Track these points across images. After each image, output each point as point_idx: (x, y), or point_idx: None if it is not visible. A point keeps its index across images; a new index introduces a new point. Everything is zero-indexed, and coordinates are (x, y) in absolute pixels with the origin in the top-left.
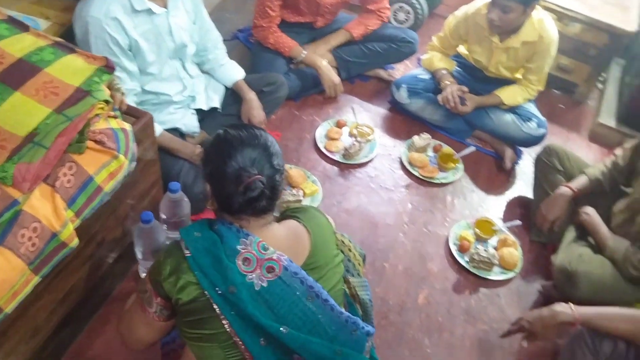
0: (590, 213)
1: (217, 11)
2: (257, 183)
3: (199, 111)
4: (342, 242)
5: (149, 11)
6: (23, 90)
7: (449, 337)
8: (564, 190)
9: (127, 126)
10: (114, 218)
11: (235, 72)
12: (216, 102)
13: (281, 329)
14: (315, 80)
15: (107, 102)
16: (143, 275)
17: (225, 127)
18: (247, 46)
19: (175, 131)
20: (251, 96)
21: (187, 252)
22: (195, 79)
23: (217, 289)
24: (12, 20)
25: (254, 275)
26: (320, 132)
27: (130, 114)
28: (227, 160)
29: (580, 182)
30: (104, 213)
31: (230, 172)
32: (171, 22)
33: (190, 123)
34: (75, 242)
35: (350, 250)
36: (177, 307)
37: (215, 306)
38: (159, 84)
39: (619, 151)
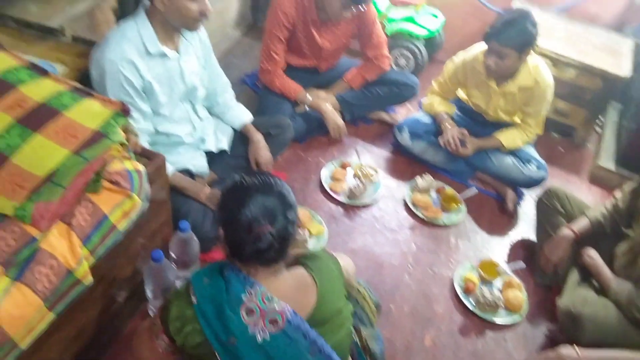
0: (592, 256)
1: (225, 57)
2: (267, 235)
3: (208, 152)
4: (358, 290)
5: (163, 55)
6: (43, 132)
7: None
8: (566, 232)
9: (141, 167)
10: (125, 257)
11: (243, 115)
12: (225, 144)
13: None
14: (320, 123)
15: (122, 144)
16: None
17: (243, 173)
18: (254, 90)
19: (185, 172)
20: (258, 138)
21: (193, 300)
22: (204, 121)
23: (219, 338)
24: (32, 66)
25: (257, 328)
26: (325, 173)
27: (144, 155)
28: (241, 208)
29: (581, 224)
30: (116, 252)
31: (243, 220)
32: (183, 66)
33: (199, 164)
34: (89, 279)
35: (365, 299)
36: (182, 349)
37: (217, 354)
38: (170, 126)
39: (618, 194)
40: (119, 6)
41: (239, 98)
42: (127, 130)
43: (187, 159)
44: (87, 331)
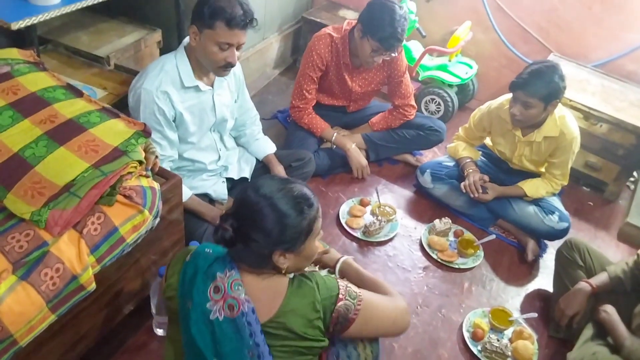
0: (609, 312)
1: (261, 94)
2: (228, 232)
3: (229, 179)
4: (365, 357)
5: (197, 88)
6: (67, 145)
7: None
8: (584, 285)
9: (156, 185)
10: (134, 270)
11: (267, 147)
12: (247, 172)
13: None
14: (344, 160)
15: (140, 162)
16: (157, 330)
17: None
18: (284, 125)
19: (205, 196)
20: (279, 169)
21: (187, 258)
22: (230, 150)
23: (183, 298)
24: (69, 87)
25: (216, 306)
26: (343, 209)
27: (161, 175)
28: (245, 193)
29: (600, 278)
30: (125, 264)
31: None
32: (215, 100)
33: (220, 190)
34: (92, 286)
35: (364, 347)
36: (164, 298)
37: (181, 311)
38: (196, 153)
39: None
40: (163, 40)
41: (269, 132)
42: (147, 150)
43: (209, 184)
44: (89, 338)
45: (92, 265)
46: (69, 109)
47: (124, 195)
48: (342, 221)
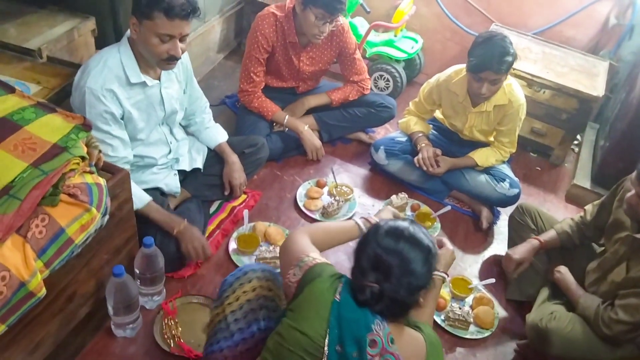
0: (563, 272)
1: (207, 79)
2: (372, 288)
3: (181, 171)
4: None
5: (143, 84)
6: (2, 145)
7: None
8: (533, 241)
9: (102, 181)
10: (86, 272)
11: (219, 135)
12: (199, 162)
13: None
14: (297, 142)
15: (83, 158)
16: (117, 332)
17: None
18: (233, 111)
19: (156, 190)
20: (233, 159)
21: (337, 297)
22: (180, 142)
23: (336, 344)
24: None
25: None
26: (300, 192)
27: (106, 169)
28: (372, 245)
29: (548, 234)
30: (76, 266)
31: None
32: (163, 93)
33: (171, 183)
34: (42, 292)
35: None
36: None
37: (326, 350)
38: (145, 148)
39: (589, 207)
40: (98, 29)
41: (218, 119)
42: (90, 144)
43: (160, 178)
44: (46, 346)
45: (41, 270)
46: (0, 106)
47: (68, 194)
48: (300, 204)
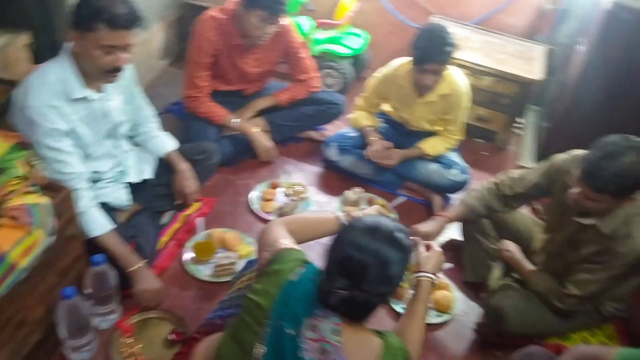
0: (511, 249)
1: (151, 87)
2: (341, 295)
3: (131, 182)
4: None
5: (85, 98)
6: None
7: None
8: (437, 217)
9: (45, 201)
10: (35, 296)
11: (167, 144)
12: (148, 173)
13: None
14: (249, 145)
15: (23, 178)
16: (71, 356)
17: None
18: (180, 118)
19: (105, 205)
20: (183, 167)
21: (294, 277)
22: (127, 153)
23: (283, 321)
24: None
25: (309, 345)
26: (255, 195)
27: (50, 188)
28: (341, 248)
29: (455, 209)
30: (23, 291)
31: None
32: (107, 106)
33: (120, 197)
34: None
35: None
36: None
37: (267, 325)
38: (92, 163)
39: (504, 179)
40: (35, 43)
41: (165, 127)
42: (29, 163)
43: (107, 192)
44: None
45: None
46: None
47: (9, 217)
48: (256, 207)
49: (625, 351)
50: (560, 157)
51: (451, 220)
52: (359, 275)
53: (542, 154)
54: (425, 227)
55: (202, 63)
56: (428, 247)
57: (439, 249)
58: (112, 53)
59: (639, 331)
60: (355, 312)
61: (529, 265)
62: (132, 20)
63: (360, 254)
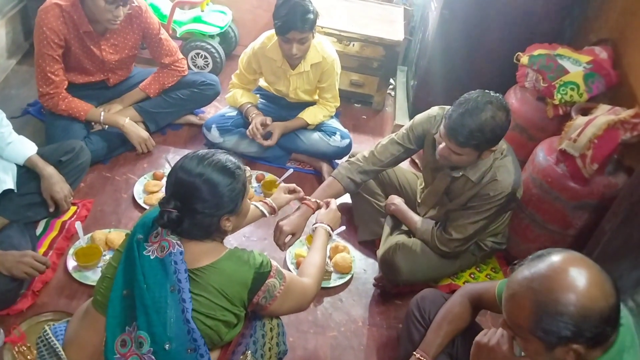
0: (397, 203)
1: (1, 89)
2: (169, 214)
3: None
4: (271, 327)
5: None
6: None
7: (303, 354)
8: (303, 207)
9: None
10: None
11: (25, 149)
12: (9, 183)
13: (144, 285)
14: (123, 138)
15: None
16: None
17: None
18: (40, 119)
19: None
20: (49, 171)
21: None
22: None
23: (136, 233)
24: None
25: (152, 247)
26: (137, 189)
27: None
28: (175, 168)
29: (325, 192)
30: None
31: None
32: None
33: None
34: None
35: (271, 339)
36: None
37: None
38: None
39: (380, 151)
40: None
41: (24, 131)
42: None
43: None
44: None
45: None
46: None
47: None
48: (140, 201)
49: (504, 281)
50: (418, 119)
51: (317, 209)
52: (188, 196)
53: (414, 110)
54: (288, 224)
55: (52, 56)
56: (327, 205)
57: (334, 207)
58: None
59: (516, 258)
60: (189, 231)
61: (414, 216)
62: None
63: (188, 177)
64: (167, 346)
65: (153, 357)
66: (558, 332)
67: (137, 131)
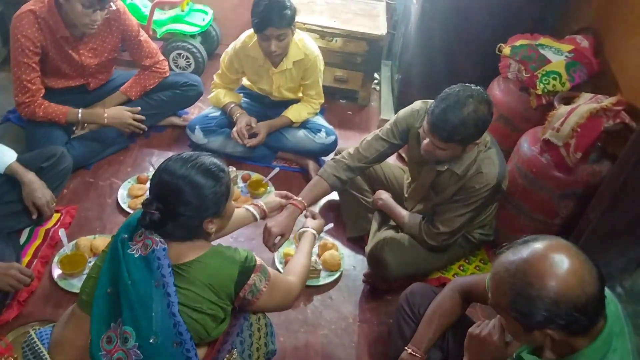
0: (384, 198)
1: None
2: (151, 216)
3: None
4: (258, 328)
5: None
6: None
7: (294, 353)
8: (290, 208)
9: None
10: None
11: (4, 156)
12: None
13: (129, 281)
14: (106, 142)
15: None
16: None
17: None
18: (20, 126)
19: None
20: (30, 178)
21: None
22: None
23: (121, 233)
24: None
25: (136, 246)
26: (122, 193)
27: None
28: (160, 169)
29: (311, 193)
30: None
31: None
32: None
33: None
34: None
35: (258, 339)
36: None
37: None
38: None
39: (366, 147)
40: None
41: (4, 139)
42: None
43: None
44: None
45: None
46: None
47: None
48: (125, 206)
49: None
50: (402, 114)
51: (305, 208)
52: (171, 198)
53: (399, 104)
54: (277, 226)
55: (27, 64)
56: (313, 216)
57: (319, 218)
58: None
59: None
60: (173, 232)
61: (402, 211)
62: None
63: (172, 179)
64: (152, 340)
65: (139, 352)
66: (531, 315)
67: (120, 118)
